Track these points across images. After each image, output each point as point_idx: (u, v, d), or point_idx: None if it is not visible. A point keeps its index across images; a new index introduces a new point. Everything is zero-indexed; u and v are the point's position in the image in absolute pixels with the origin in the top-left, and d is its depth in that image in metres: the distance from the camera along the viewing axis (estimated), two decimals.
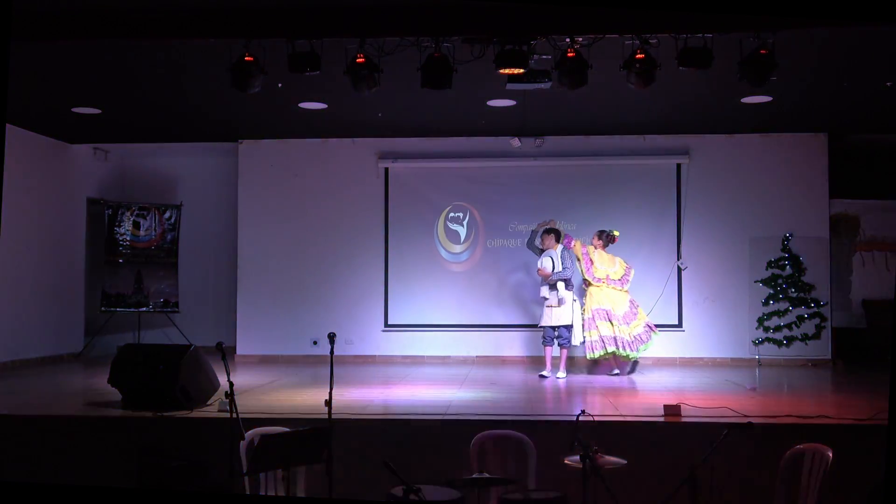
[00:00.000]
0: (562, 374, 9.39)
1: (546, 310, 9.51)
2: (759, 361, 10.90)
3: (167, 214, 12.16)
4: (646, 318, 9.76)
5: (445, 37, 6.90)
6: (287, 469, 4.56)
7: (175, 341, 10.83)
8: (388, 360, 11.23)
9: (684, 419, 6.29)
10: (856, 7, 3.64)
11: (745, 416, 6.23)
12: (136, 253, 11.97)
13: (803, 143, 11.11)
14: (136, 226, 11.98)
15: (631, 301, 9.71)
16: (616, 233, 9.85)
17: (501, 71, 7.07)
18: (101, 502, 3.17)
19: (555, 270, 9.39)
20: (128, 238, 11.94)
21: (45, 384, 9.03)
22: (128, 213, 11.94)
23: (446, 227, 11.49)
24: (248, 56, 7.00)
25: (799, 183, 11.10)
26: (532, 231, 9.86)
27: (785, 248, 10.99)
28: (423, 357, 11.09)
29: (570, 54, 6.90)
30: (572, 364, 9.85)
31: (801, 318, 10.92)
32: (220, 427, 5.62)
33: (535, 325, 10.61)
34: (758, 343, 10.98)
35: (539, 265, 9.51)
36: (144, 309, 11.94)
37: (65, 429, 6.45)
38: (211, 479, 5.71)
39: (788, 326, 10.94)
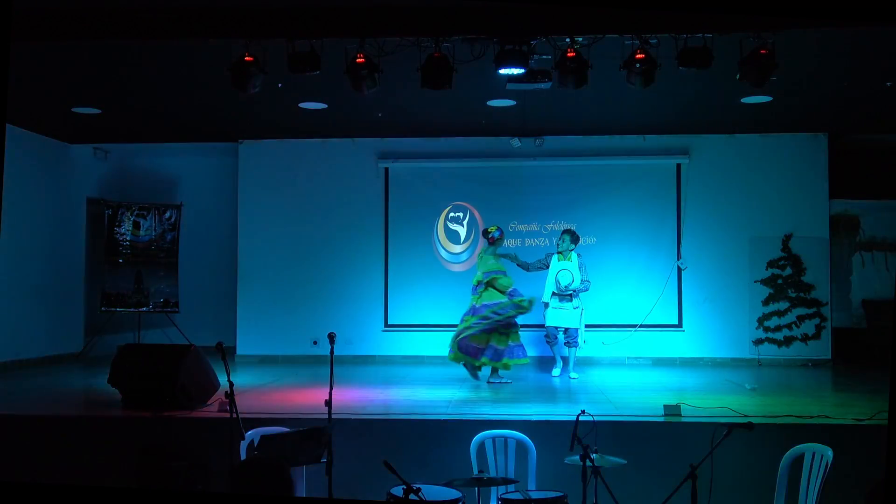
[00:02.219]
0: (574, 374, 9.38)
1: (552, 310, 9.46)
2: (759, 361, 10.90)
3: (167, 214, 12.16)
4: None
5: (445, 37, 6.90)
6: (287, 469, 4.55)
7: (175, 341, 10.81)
8: (388, 360, 11.23)
9: (684, 419, 6.29)
10: (856, 7, 3.64)
11: (745, 416, 6.24)
12: (136, 253, 11.97)
13: (803, 143, 11.10)
14: (136, 226, 11.98)
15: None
16: (491, 229, 9.11)
17: (501, 71, 7.08)
18: (101, 502, 3.17)
19: (573, 284, 9.28)
20: (128, 238, 11.94)
21: (45, 384, 9.02)
22: (128, 213, 11.94)
23: (446, 227, 11.50)
24: (248, 56, 7.00)
25: (799, 183, 11.09)
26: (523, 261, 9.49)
27: (785, 248, 10.99)
28: (423, 357, 11.09)
29: (570, 54, 6.90)
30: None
31: (800, 318, 10.93)
32: (220, 427, 5.62)
33: (534, 325, 10.60)
34: (758, 343, 10.98)
35: (561, 282, 9.28)
36: (144, 309, 11.94)
37: (65, 429, 6.45)
38: (211, 479, 5.72)
39: (788, 326, 10.94)
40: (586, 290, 9.41)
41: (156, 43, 7.34)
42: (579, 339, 9.44)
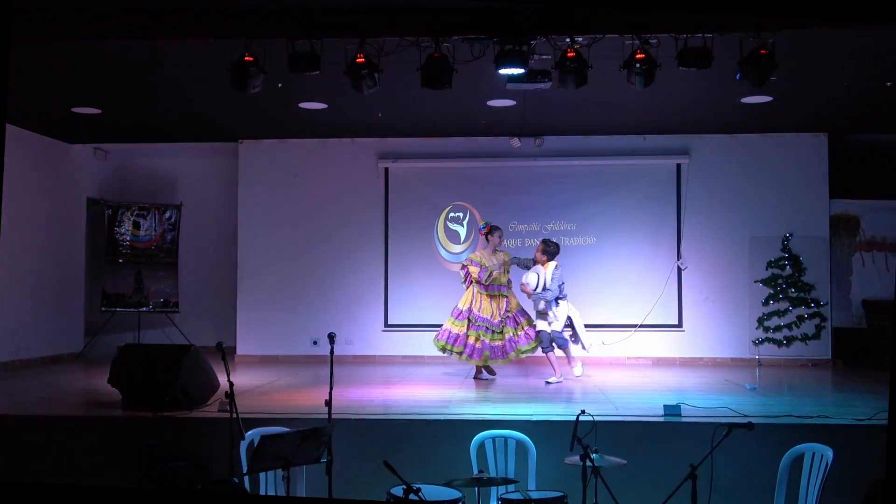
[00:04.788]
0: (559, 377, 9.27)
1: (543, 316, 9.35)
2: (759, 361, 10.90)
3: (167, 214, 12.16)
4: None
5: (445, 37, 6.90)
6: (287, 469, 4.55)
7: (175, 341, 10.82)
8: (388, 360, 11.23)
9: (684, 419, 6.29)
10: (856, 7, 3.64)
11: (745, 416, 6.24)
12: (136, 253, 11.97)
13: (803, 143, 11.11)
14: (136, 226, 11.98)
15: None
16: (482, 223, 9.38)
17: (501, 71, 7.08)
18: (101, 502, 3.17)
19: (536, 289, 8.94)
20: (128, 238, 11.94)
21: (45, 384, 9.02)
22: (128, 213, 11.94)
23: (446, 227, 11.50)
24: (248, 56, 7.00)
25: (799, 183, 11.10)
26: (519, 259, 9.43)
27: (785, 248, 10.99)
28: (423, 357, 11.07)
29: (570, 54, 6.90)
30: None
31: (801, 318, 10.93)
32: (220, 427, 5.62)
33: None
34: (758, 343, 10.98)
35: (523, 280, 9.05)
36: (144, 309, 11.94)
37: (65, 429, 6.45)
38: (211, 480, 5.71)
39: (788, 326, 10.94)
40: (546, 299, 8.95)
41: (155, 43, 7.34)
42: (560, 339, 9.28)
